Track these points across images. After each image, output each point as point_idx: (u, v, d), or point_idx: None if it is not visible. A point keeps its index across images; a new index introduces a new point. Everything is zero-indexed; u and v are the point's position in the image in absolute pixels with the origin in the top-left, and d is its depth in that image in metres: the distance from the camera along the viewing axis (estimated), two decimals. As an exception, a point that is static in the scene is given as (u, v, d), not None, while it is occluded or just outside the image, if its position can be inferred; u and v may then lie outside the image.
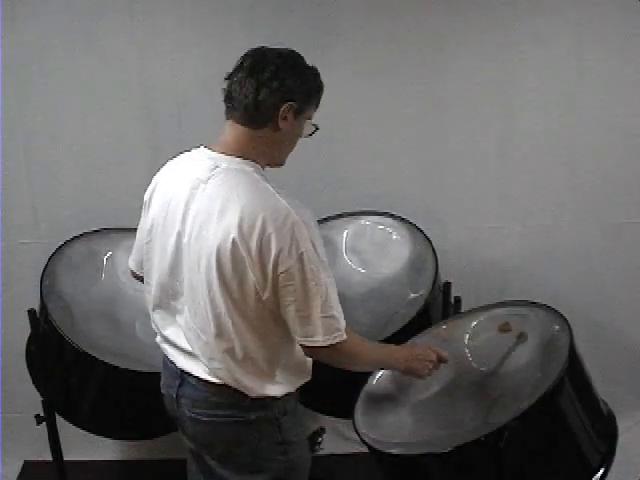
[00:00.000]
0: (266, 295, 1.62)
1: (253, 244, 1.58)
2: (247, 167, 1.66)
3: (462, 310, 2.32)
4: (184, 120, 2.67)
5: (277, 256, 1.57)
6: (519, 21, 2.63)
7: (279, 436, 1.80)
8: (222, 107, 1.72)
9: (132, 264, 1.96)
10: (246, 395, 1.73)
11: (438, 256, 2.39)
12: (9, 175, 2.70)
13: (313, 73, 1.71)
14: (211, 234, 1.62)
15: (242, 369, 1.70)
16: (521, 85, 2.70)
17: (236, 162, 1.66)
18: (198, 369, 1.74)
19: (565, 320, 1.91)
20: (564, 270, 2.89)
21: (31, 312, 2.34)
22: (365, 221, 2.64)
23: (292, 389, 1.80)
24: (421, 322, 2.23)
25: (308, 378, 1.83)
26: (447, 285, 2.39)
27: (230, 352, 1.69)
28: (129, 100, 2.66)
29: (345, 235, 2.64)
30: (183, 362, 1.78)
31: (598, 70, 2.68)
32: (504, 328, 2.06)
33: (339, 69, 2.65)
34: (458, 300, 2.37)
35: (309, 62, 1.73)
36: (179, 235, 1.70)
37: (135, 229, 2.52)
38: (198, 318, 1.70)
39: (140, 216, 1.90)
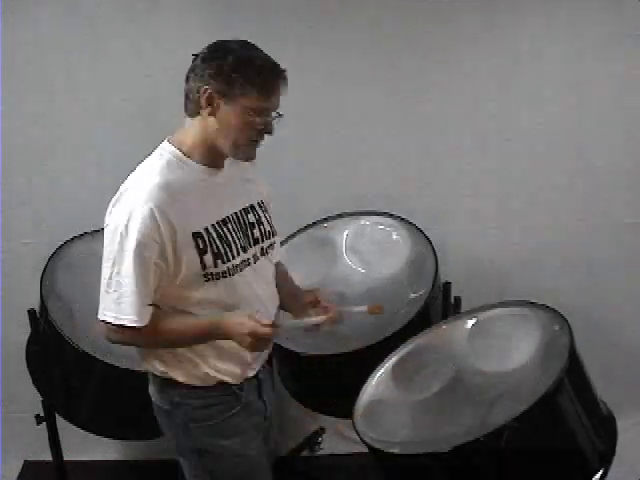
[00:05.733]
0: None
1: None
2: (160, 151, 1.72)
3: (462, 310, 2.32)
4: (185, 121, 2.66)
5: (110, 210, 1.67)
6: (519, 21, 2.63)
7: (190, 443, 1.80)
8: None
9: None
10: (160, 384, 1.78)
11: (438, 256, 2.39)
12: (9, 175, 2.70)
13: (235, 58, 1.62)
14: None
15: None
16: (521, 85, 2.70)
17: (159, 148, 1.73)
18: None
19: (565, 320, 1.92)
20: (564, 270, 2.89)
21: (31, 312, 2.34)
22: (365, 221, 2.64)
23: (182, 378, 1.76)
24: (421, 322, 2.23)
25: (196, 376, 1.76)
26: (447, 285, 2.39)
27: None
28: (129, 100, 2.66)
29: (345, 235, 2.64)
30: None
31: (597, 71, 2.68)
32: (374, 310, 1.84)
33: (338, 70, 2.65)
34: (458, 300, 2.37)
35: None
36: None
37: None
38: None
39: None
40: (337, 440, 2.84)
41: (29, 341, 2.45)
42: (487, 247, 2.86)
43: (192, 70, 1.67)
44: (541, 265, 2.89)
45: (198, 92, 1.65)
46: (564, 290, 2.82)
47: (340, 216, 2.64)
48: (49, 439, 2.48)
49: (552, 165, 2.79)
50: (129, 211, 1.61)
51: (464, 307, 2.32)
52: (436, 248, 2.43)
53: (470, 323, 2.16)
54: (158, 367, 1.76)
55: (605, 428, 1.84)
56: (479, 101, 2.71)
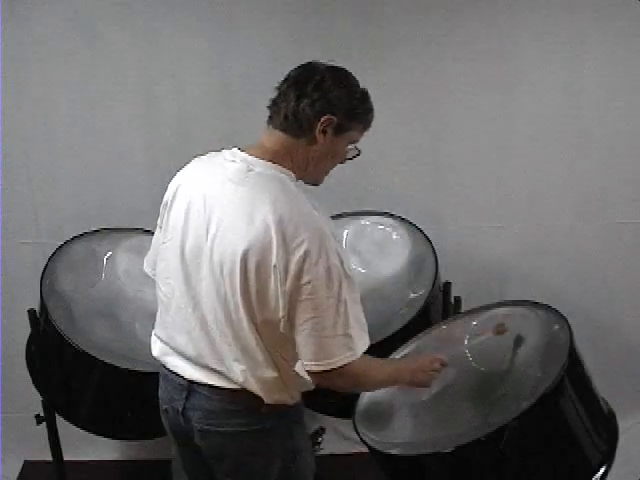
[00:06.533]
0: (281, 311, 1.57)
1: (282, 251, 1.54)
2: (281, 174, 1.64)
3: (462, 310, 2.32)
4: (184, 120, 2.67)
5: (303, 265, 1.53)
6: (519, 22, 2.63)
7: (291, 445, 1.78)
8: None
9: (146, 265, 1.89)
10: (262, 401, 1.67)
11: (438, 256, 2.39)
12: (9, 175, 2.70)
13: (361, 92, 1.69)
14: (239, 237, 1.57)
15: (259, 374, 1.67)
16: (521, 86, 2.70)
17: (271, 167, 1.63)
18: (211, 377, 1.69)
19: (565, 320, 1.91)
20: (564, 270, 2.89)
21: (31, 312, 2.33)
22: (365, 221, 2.64)
23: (299, 397, 1.76)
24: (421, 322, 2.23)
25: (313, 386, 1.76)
26: (447, 285, 2.39)
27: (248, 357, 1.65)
28: (129, 100, 2.66)
29: (345, 235, 2.64)
30: (192, 372, 1.72)
31: (598, 71, 2.68)
32: (500, 330, 2.07)
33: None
34: (458, 300, 2.37)
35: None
36: (201, 237, 1.64)
37: (135, 229, 2.55)
38: (218, 322, 1.64)
39: (146, 215, 1.88)
40: (337, 440, 2.84)
41: (29, 341, 2.45)
42: (487, 247, 2.86)
43: (301, 90, 1.63)
44: (541, 265, 2.89)
45: (315, 117, 1.62)
46: (564, 290, 2.82)
47: (340, 216, 2.64)
48: (49, 439, 2.48)
49: (552, 165, 2.79)
50: (333, 249, 1.58)
51: (464, 307, 2.32)
52: (436, 248, 2.43)
53: (470, 323, 2.16)
54: (279, 398, 1.70)
55: (606, 427, 1.84)
56: (479, 102, 2.70)
